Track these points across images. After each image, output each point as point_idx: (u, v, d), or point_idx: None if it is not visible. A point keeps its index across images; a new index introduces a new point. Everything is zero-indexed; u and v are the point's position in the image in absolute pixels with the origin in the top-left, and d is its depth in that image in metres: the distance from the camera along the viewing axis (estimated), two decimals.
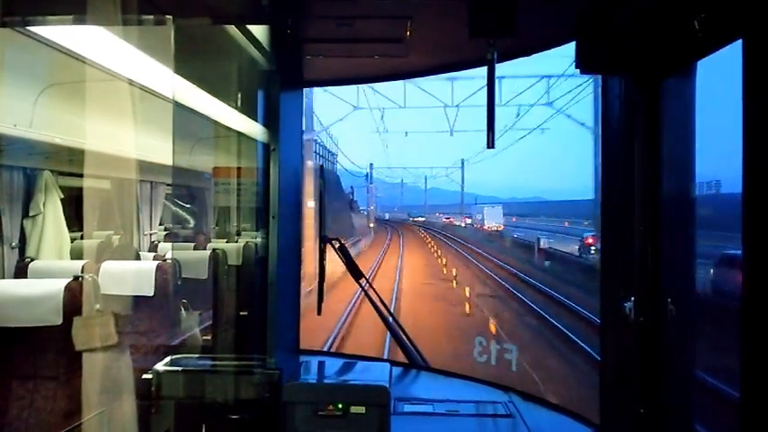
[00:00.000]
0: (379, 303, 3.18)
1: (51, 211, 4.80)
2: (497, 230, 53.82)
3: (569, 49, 2.07)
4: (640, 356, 1.84)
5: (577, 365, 11.12)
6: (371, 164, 61.06)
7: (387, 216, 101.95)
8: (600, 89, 2.13)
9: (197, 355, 2.49)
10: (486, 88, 1.93)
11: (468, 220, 77.69)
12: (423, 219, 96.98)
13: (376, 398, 2.19)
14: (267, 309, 2.21)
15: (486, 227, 56.43)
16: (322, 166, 3.12)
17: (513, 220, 72.87)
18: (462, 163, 70.57)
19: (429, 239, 49.05)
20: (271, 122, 2.25)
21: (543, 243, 30.14)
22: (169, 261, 4.65)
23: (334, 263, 2.98)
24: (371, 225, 55.47)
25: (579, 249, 28.03)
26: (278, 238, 2.23)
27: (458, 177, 72.01)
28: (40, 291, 2.57)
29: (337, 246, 3.00)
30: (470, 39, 1.83)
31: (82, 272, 3.69)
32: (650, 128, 1.82)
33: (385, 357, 10.25)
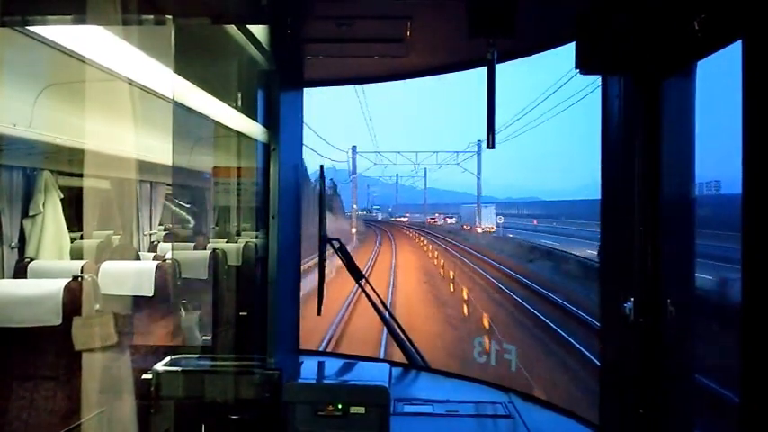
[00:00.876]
0: (378, 304, 3.18)
1: (51, 211, 4.80)
2: (489, 231, 48.26)
3: None
4: (640, 357, 1.84)
5: None
6: (354, 146, 47.14)
7: (380, 217, 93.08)
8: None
9: (197, 355, 2.49)
10: (486, 89, 1.93)
11: (450, 220, 68.47)
12: (405, 219, 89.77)
13: (376, 398, 2.19)
14: (267, 309, 2.21)
15: (478, 228, 49.73)
16: (322, 166, 3.12)
17: (535, 223, 57.99)
18: (479, 146, 48.50)
19: (431, 250, 33.42)
20: (271, 122, 2.25)
21: None
22: (169, 261, 4.65)
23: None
24: (354, 230, 41.86)
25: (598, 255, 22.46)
26: (278, 238, 2.22)
27: (465, 167, 53.17)
28: (39, 291, 2.57)
29: (337, 246, 3.01)
30: (470, 39, 1.83)
31: (81, 272, 3.69)
32: (650, 128, 1.82)
33: (382, 357, 10.28)
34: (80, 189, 5.44)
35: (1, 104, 3.55)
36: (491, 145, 1.90)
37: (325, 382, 2.52)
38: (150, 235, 6.95)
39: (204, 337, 4.10)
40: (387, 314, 3.20)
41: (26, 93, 3.72)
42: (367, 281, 3.19)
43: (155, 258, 5.42)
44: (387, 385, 2.24)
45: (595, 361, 12.48)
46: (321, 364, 2.88)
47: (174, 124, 3.10)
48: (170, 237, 7.62)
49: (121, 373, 2.38)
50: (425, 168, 61.84)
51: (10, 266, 4.30)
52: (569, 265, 21.87)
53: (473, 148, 50.30)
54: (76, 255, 5.19)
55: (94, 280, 2.68)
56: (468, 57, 2.60)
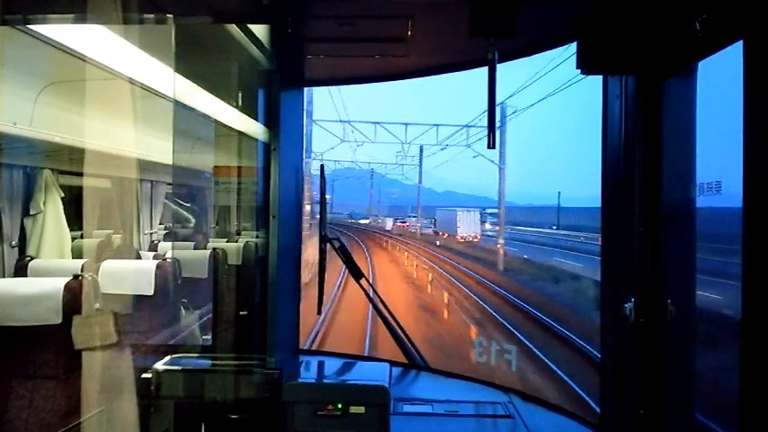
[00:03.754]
0: (378, 303, 3.18)
1: (52, 209, 4.80)
2: (474, 241, 40.42)
3: None
4: (640, 357, 1.84)
5: None
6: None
7: (389, 225, 64.79)
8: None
9: (197, 355, 2.50)
10: (487, 88, 1.92)
11: (405, 224, 56.97)
12: (367, 221, 76.39)
13: (375, 398, 2.19)
14: (267, 308, 2.21)
15: (458, 237, 41.49)
16: (322, 166, 3.12)
17: None
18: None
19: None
20: (271, 122, 2.25)
21: None
22: (169, 260, 4.65)
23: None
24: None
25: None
26: (278, 237, 2.22)
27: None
28: (39, 289, 2.57)
29: (337, 246, 3.01)
30: (471, 39, 1.83)
31: (81, 271, 3.69)
32: (651, 128, 1.82)
33: (366, 354, 10.29)
34: (81, 188, 5.44)
35: (2, 102, 3.55)
36: (491, 145, 1.90)
37: (325, 381, 2.52)
38: (151, 234, 6.95)
39: (204, 337, 4.10)
40: (386, 313, 3.19)
41: (27, 91, 3.72)
42: (367, 280, 3.19)
43: (155, 257, 5.42)
44: (386, 385, 2.24)
45: None
46: (321, 364, 2.88)
47: (174, 123, 3.10)
48: (170, 236, 7.62)
49: (121, 372, 2.38)
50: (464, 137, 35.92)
51: (10, 265, 4.30)
52: None
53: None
54: (77, 254, 5.20)
55: (94, 279, 2.68)
56: (469, 56, 2.59)
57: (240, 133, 2.68)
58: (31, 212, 4.62)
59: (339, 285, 17.97)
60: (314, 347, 11.05)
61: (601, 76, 2.04)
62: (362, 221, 78.79)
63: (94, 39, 2.79)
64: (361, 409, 2.17)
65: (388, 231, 57.92)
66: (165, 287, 4.20)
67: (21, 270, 4.22)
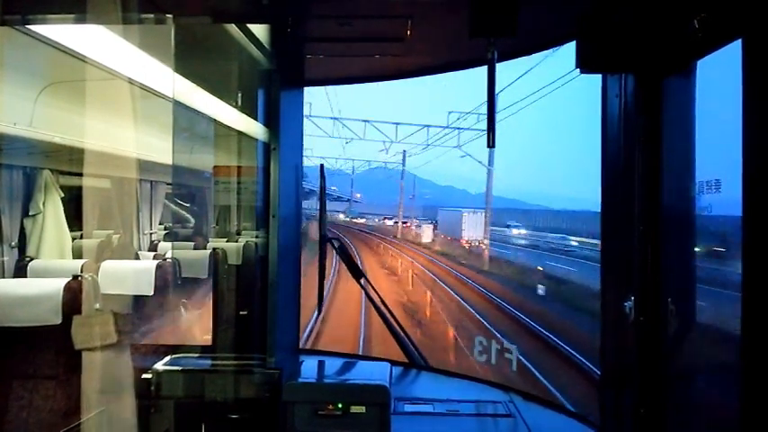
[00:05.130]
0: (378, 303, 3.18)
1: (52, 210, 4.80)
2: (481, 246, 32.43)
3: None
4: (640, 356, 1.84)
5: None
6: None
7: (428, 236, 42.48)
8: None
9: (197, 355, 2.49)
10: (486, 87, 1.92)
11: (389, 222, 49.50)
12: (363, 221, 68.07)
13: (376, 397, 2.19)
14: (267, 308, 2.21)
15: (464, 241, 35.51)
16: (322, 165, 3.12)
17: None
18: None
19: None
20: (271, 122, 2.25)
21: None
22: (169, 260, 4.65)
23: None
24: None
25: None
26: (278, 237, 2.22)
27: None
28: (39, 290, 2.57)
29: (337, 246, 3.01)
30: (471, 38, 1.83)
31: (81, 271, 3.69)
32: (650, 127, 1.82)
33: (360, 353, 10.27)
34: (80, 188, 5.44)
35: (2, 103, 3.55)
36: (491, 144, 1.89)
37: (326, 381, 2.52)
38: (150, 234, 6.95)
39: (204, 337, 4.10)
40: (387, 313, 3.19)
41: (27, 91, 3.72)
42: (367, 280, 3.19)
43: (155, 257, 5.42)
44: (387, 384, 2.24)
45: None
46: (321, 364, 2.88)
47: (174, 123, 3.10)
48: (170, 236, 7.62)
49: (121, 373, 2.38)
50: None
51: (10, 266, 4.30)
52: None
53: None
54: (77, 254, 5.20)
55: (94, 279, 2.68)
56: (468, 56, 2.60)
57: (240, 133, 2.68)
58: (30, 213, 4.62)
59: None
60: (308, 346, 11.06)
61: (600, 76, 2.04)
62: (359, 221, 66.90)
63: (94, 39, 2.79)
64: (362, 409, 2.17)
65: (426, 245, 40.18)
66: (164, 287, 4.20)
67: (21, 270, 4.23)
